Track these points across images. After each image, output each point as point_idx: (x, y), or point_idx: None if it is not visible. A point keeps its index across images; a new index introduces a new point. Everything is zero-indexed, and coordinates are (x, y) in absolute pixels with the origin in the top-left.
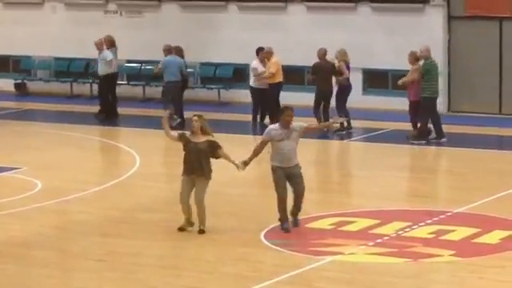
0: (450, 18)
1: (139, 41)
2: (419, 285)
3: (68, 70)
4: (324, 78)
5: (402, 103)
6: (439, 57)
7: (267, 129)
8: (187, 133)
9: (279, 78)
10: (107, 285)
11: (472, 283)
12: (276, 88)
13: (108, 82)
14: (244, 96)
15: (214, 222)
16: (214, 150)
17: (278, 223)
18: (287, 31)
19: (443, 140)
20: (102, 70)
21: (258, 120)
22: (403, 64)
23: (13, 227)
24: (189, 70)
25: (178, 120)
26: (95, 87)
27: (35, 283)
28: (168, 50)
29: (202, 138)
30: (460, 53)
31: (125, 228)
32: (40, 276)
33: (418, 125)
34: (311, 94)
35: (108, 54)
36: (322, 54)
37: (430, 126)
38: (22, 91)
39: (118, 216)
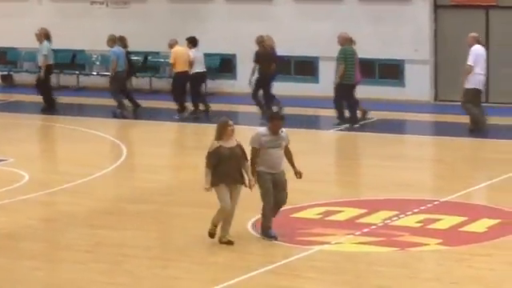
0: (437, 7)
1: (126, 32)
2: (406, 274)
3: (54, 61)
4: (266, 63)
5: (388, 93)
6: (426, 46)
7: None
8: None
9: (180, 68)
10: (95, 276)
11: (459, 271)
12: (177, 77)
13: (47, 73)
14: (231, 86)
15: (202, 212)
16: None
17: None
18: (274, 22)
19: (356, 126)
20: (40, 61)
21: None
22: (390, 53)
23: (0, 219)
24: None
25: (121, 112)
26: (82, 79)
27: (23, 275)
28: (113, 41)
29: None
30: (446, 42)
31: (112, 219)
32: (28, 268)
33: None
34: (299, 84)
35: (44, 47)
36: (260, 41)
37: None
38: (8, 83)
39: (105, 207)
